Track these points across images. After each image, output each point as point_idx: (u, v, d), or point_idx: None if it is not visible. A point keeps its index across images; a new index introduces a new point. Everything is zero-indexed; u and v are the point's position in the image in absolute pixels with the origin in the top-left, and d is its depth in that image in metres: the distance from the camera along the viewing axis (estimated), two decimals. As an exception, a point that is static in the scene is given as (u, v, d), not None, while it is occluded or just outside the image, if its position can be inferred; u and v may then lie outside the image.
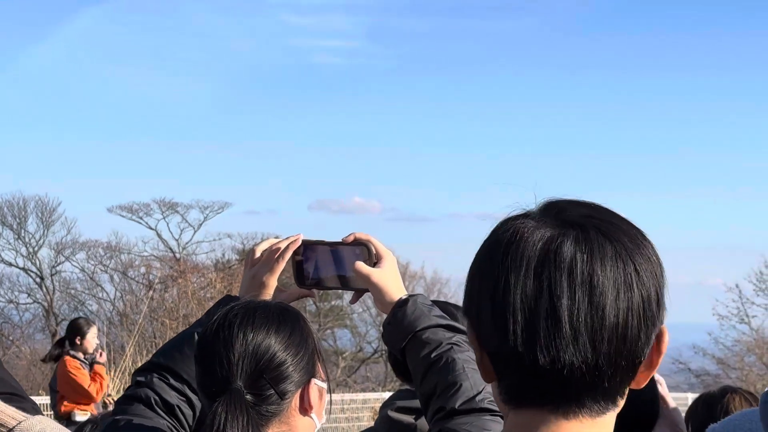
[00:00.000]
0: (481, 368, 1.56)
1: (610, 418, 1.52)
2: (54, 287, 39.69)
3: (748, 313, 38.09)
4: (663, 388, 3.75)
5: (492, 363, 1.53)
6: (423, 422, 3.05)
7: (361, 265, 2.71)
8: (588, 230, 1.49)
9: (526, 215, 1.55)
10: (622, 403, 1.53)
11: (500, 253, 1.51)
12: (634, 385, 1.53)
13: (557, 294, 1.47)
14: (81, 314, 39.18)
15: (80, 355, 11.33)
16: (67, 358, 11.26)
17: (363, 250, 2.74)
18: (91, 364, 11.48)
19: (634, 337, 1.48)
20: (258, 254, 2.81)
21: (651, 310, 1.49)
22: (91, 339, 11.49)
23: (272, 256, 2.79)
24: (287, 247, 2.78)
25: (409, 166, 59.47)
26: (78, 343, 11.35)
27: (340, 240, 2.78)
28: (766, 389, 2.56)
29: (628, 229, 1.52)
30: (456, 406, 2.51)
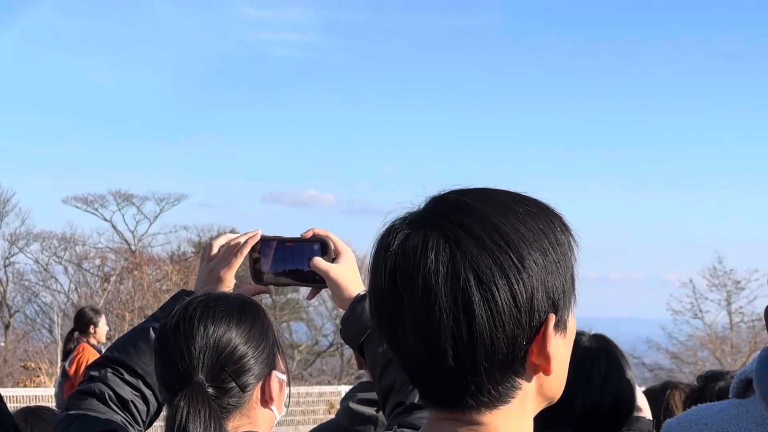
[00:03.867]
0: None
1: (507, 409, 1.53)
2: (7, 278, 39.41)
3: (702, 308, 38.49)
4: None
5: None
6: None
7: (319, 261, 2.71)
8: (429, 234, 1.49)
9: (399, 218, 1.56)
10: (520, 390, 1.53)
11: (372, 258, 1.55)
12: (543, 372, 1.53)
13: (400, 307, 1.49)
14: (35, 306, 39.04)
15: (95, 344, 11.17)
16: (86, 345, 11.09)
17: (321, 245, 2.73)
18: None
19: (486, 344, 1.47)
20: (215, 249, 2.80)
21: (501, 311, 1.47)
22: (103, 328, 11.34)
23: (230, 251, 2.78)
24: (246, 242, 2.78)
25: (364, 158, 59.48)
26: (93, 332, 11.20)
27: (299, 236, 2.78)
28: (765, 347, 2.57)
29: (482, 228, 1.49)
30: (416, 401, 2.51)
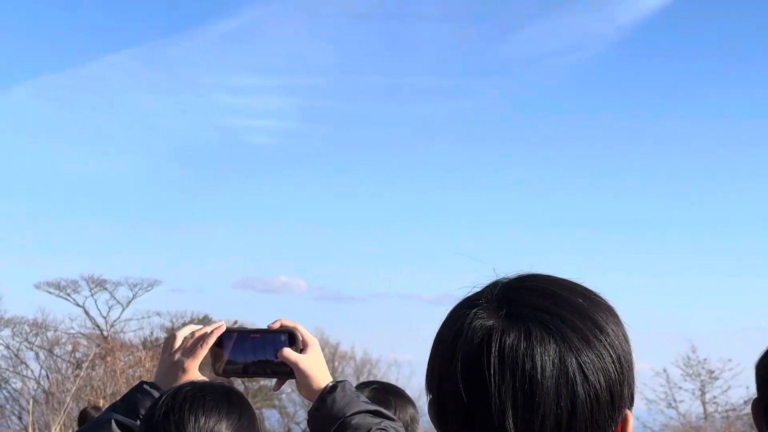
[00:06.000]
0: None
1: None
2: (-23, 364, 39.04)
3: (676, 397, 38.46)
4: None
5: None
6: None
7: (289, 352, 2.71)
8: (531, 327, 1.45)
9: (478, 302, 1.52)
10: None
11: (446, 345, 1.49)
12: None
13: (496, 395, 1.44)
14: (4, 392, 38.66)
15: None
16: None
17: (289, 336, 2.73)
18: None
19: None
20: (179, 340, 2.79)
21: (601, 407, 1.46)
22: None
23: (196, 342, 2.77)
24: (211, 333, 2.77)
25: (336, 245, 59.49)
26: None
27: (266, 327, 2.77)
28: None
29: (581, 321, 1.47)
30: None
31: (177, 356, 2.77)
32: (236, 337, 2.78)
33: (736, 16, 56.22)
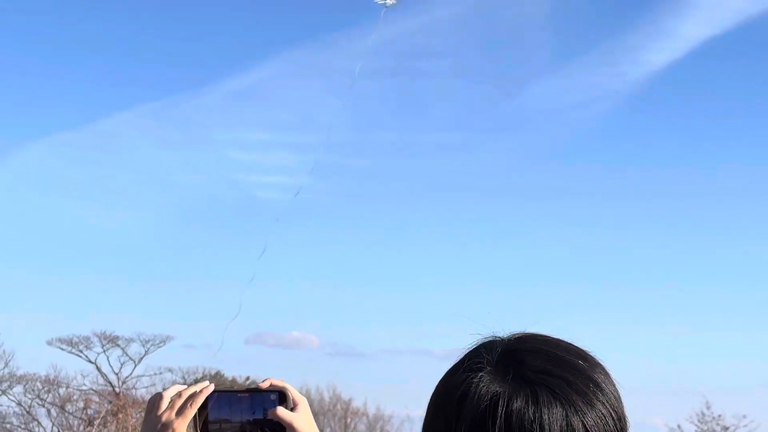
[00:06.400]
0: None
1: None
2: (-11, 421, 38.93)
3: (691, 454, 38.13)
4: None
5: None
6: None
7: (283, 411, 2.71)
8: (538, 391, 1.48)
9: (481, 364, 1.53)
10: None
11: (450, 408, 1.50)
12: None
13: None
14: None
15: None
16: None
17: (280, 395, 2.72)
18: None
19: None
20: (167, 400, 2.77)
21: None
22: None
23: (185, 402, 2.75)
24: (200, 392, 2.75)
25: (348, 301, 59.44)
26: None
27: (255, 386, 2.76)
28: None
29: (583, 384, 1.50)
30: None
31: (165, 417, 2.74)
32: (225, 397, 2.76)
33: (746, 71, 56.31)
